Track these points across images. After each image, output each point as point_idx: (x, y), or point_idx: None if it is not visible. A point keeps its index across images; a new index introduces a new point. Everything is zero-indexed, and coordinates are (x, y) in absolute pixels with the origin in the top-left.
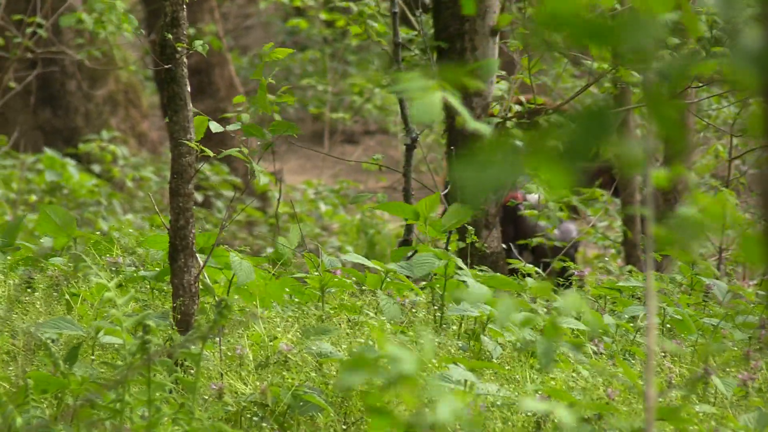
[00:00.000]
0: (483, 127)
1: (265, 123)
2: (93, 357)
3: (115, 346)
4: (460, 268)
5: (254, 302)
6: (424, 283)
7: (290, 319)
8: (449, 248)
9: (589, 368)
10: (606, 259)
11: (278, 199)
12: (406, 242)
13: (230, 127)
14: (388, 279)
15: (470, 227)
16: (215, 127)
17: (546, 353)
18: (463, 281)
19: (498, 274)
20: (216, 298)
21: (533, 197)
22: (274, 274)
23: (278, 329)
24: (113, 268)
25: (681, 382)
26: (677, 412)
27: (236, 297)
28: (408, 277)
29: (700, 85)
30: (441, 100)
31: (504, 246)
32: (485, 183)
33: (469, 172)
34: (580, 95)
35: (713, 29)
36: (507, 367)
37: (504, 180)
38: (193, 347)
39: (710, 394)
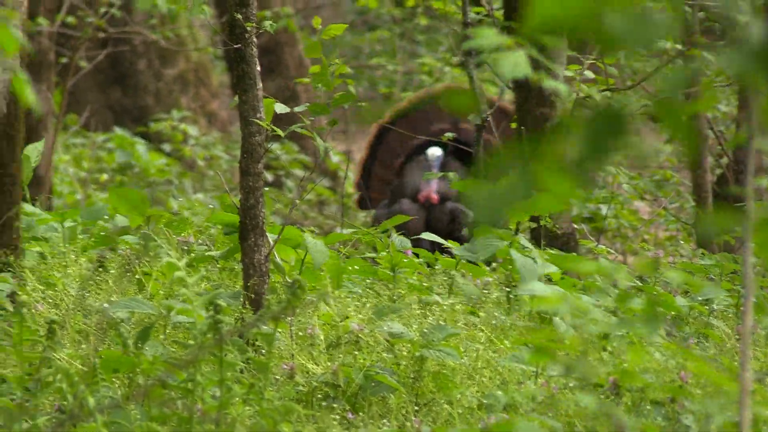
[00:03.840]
0: (561, 87)
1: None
2: (164, 336)
3: (186, 325)
4: (526, 248)
5: (325, 282)
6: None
7: (362, 300)
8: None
9: (663, 351)
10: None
11: (344, 178)
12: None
13: (296, 109)
14: (462, 260)
15: None
16: (280, 108)
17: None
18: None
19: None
20: (287, 278)
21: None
22: (345, 255)
23: (350, 309)
24: (184, 248)
25: (756, 366)
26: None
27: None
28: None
29: None
30: (525, 55)
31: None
32: (497, 203)
33: (480, 192)
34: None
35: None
36: (579, 349)
37: (516, 198)
38: (264, 327)
39: None
